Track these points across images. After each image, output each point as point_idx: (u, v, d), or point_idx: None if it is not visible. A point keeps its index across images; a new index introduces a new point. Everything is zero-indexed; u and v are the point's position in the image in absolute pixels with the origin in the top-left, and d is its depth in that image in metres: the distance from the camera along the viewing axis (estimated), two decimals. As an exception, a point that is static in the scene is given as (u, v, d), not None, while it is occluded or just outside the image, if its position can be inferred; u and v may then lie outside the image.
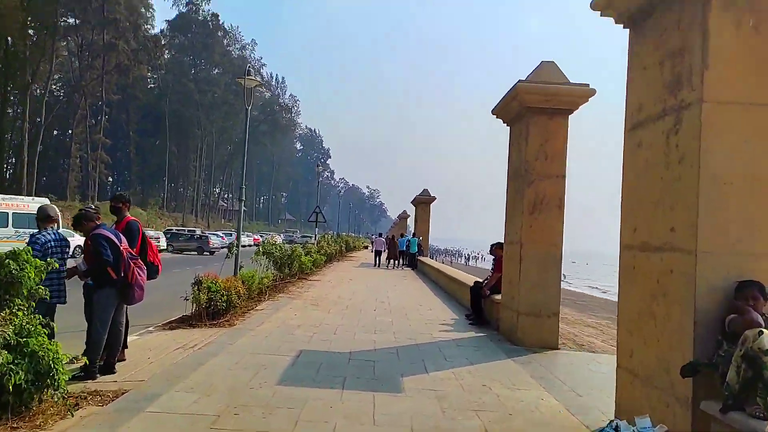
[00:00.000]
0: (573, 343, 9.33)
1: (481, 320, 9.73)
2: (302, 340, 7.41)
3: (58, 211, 5.72)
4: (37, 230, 5.14)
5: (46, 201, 25.26)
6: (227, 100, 70.16)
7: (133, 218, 6.04)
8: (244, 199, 14.02)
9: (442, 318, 10.28)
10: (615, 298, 5.07)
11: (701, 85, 3.55)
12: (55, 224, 5.51)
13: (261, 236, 65.16)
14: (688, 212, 3.55)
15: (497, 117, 9.05)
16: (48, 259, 4.44)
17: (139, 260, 5.44)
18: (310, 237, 28.92)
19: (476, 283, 10.45)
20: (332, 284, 15.90)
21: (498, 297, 9.12)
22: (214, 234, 45.56)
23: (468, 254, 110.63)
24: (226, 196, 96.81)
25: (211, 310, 8.64)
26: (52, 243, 5.08)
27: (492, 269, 10.45)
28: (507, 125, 8.90)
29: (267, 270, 14.06)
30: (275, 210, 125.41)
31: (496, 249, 10.26)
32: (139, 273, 5.27)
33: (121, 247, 5.17)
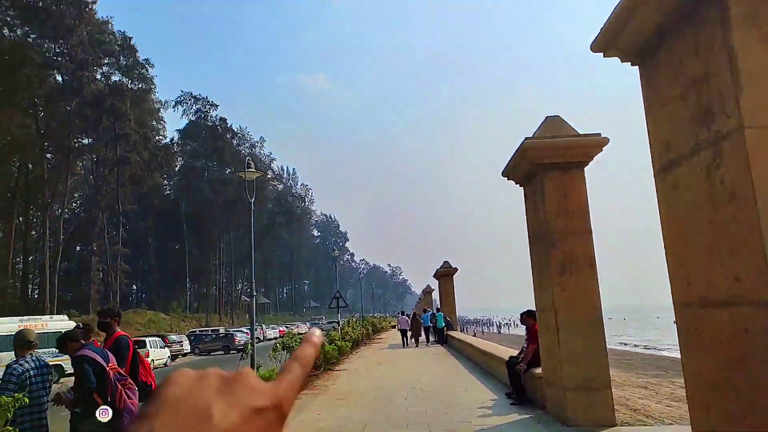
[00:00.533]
0: (626, 408, 8.42)
1: (523, 398, 8.85)
2: (328, 446, 6.66)
3: (36, 334, 5.21)
4: (15, 359, 4.65)
5: (64, 318, 25.03)
6: (241, 196, 71.48)
7: (122, 333, 5.53)
8: (255, 294, 13.61)
9: (480, 400, 9.39)
10: (660, 353, 4.40)
11: (738, 111, 3.08)
12: (34, 350, 5.00)
13: (286, 327, 64.30)
14: (753, 256, 2.98)
15: (508, 178, 8.63)
16: (16, 395, 3.92)
17: (129, 380, 4.88)
18: (336, 322, 27.99)
19: (511, 358, 9.64)
20: (360, 372, 15.01)
21: (539, 371, 8.30)
22: (239, 330, 44.79)
23: (499, 322, 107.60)
24: (248, 290, 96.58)
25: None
26: (32, 372, 4.58)
27: (526, 341, 9.67)
28: (520, 185, 8.47)
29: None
30: (299, 299, 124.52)
31: (526, 318, 9.54)
32: (128, 395, 4.69)
33: (108, 368, 4.64)
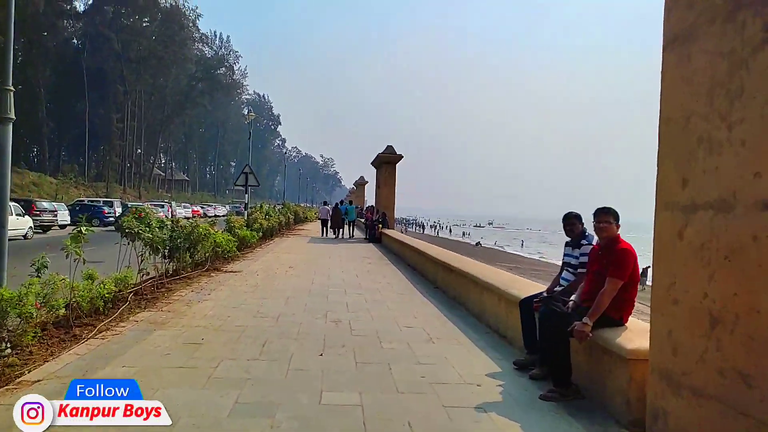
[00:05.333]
0: None
1: (562, 380, 4.12)
2: None
3: None
4: None
5: None
6: (155, 53, 61.46)
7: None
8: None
9: (466, 373, 4.63)
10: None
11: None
12: None
13: (201, 207, 58.44)
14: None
15: None
16: None
17: None
18: (243, 204, 22.84)
19: (543, 300, 4.72)
20: (257, 280, 10.01)
21: (621, 339, 3.59)
22: (139, 204, 38.47)
23: (432, 224, 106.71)
24: (162, 163, 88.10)
25: None
26: None
27: (570, 267, 4.88)
28: None
29: (147, 259, 8.15)
30: (222, 180, 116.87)
31: (574, 222, 4.78)
32: None
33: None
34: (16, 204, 22.83)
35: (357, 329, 6.20)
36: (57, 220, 26.75)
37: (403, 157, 23.47)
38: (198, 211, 54.50)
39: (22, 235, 21.79)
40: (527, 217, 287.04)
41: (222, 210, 58.35)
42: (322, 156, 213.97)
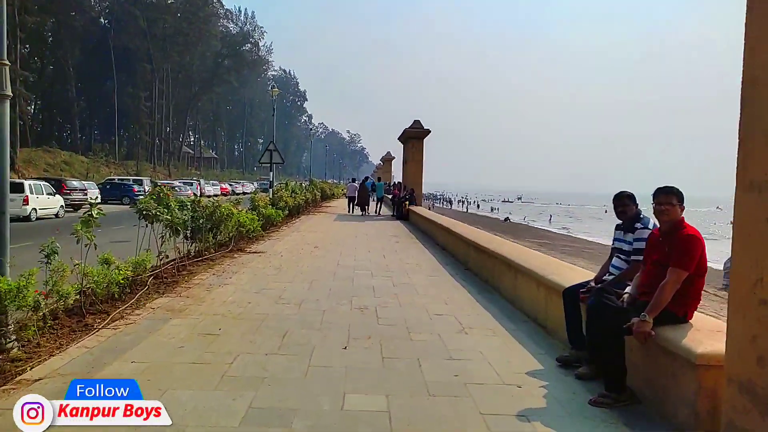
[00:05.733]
0: None
1: (617, 389, 3.64)
2: None
3: None
4: None
5: None
6: (181, 29, 61.39)
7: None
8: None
9: (500, 370, 4.19)
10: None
11: None
12: None
13: (230, 185, 58.79)
14: None
15: None
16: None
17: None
18: (268, 183, 22.59)
19: (594, 291, 4.19)
20: (281, 261, 9.69)
21: (687, 341, 3.09)
22: (170, 183, 38.75)
23: (459, 199, 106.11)
24: (191, 141, 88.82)
25: None
26: None
27: (622, 254, 4.34)
28: None
29: (168, 241, 7.92)
30: (250, 157, 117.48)
31: (627, 203, 4.25)
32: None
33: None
34: (47, 183, 23.11)
35: (384, 317, 5.79)
36: (87, 198, 27.03)
37: (430, 131, 22.81)
38: (226, 188, 54.80)
39: (54, 214, 22.05)
40: (558, 192, 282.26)
41: (250, 187, 58.48)
42: (348, 132, 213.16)
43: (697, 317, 3.60)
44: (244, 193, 47.32)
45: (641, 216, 4.28)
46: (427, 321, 5.73)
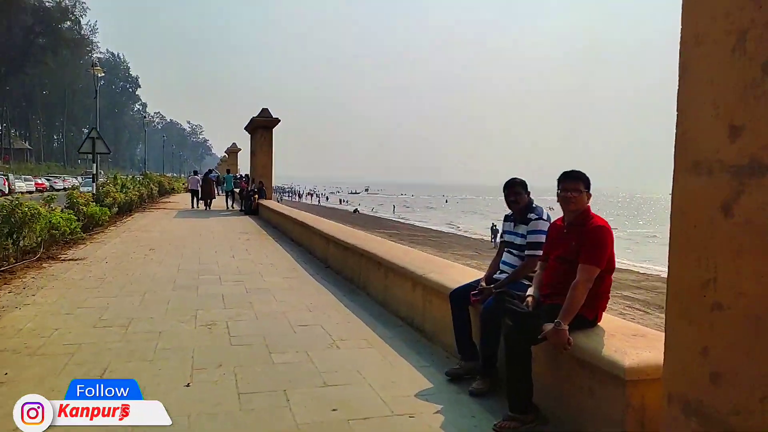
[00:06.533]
0: None
1: (523, 409, 3.11)
2: None
3: None
4: None
5: None
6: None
7: None
8: None
9: (385, 394, 3.47)
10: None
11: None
12: None
13: (47, 180, 51.68)
14: None
15: None
16: None
17: None
18: (91, 176, 19.80)
19: (496, 295, 3.59)
20: (107, 268, 8.06)
21: (611, 352, 2.64)
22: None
23: (308, 192, 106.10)
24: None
25: None
26: None
27: (523, 248, 3.86)
28: None
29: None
30: (73, 148, 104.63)
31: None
32: None
33: None
34: None
35: (238, 335, 4.78)
36: None
37: (279, 120, 21.58)
38: (43, 183, 48.19)
39: None
40: (403, 183, 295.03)
41: (73, 182, 51.88)
42: (189, 123, 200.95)
43: (607, 319, 3.19)
44: (65, 189, 41.72)
45: (534, 206, 3.84)
46: (291, 335, 4.84)
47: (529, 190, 3.88)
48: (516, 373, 3.09)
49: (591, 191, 3.19)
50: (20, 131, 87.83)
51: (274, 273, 8.09)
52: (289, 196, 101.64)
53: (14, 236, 8.29)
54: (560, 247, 3.20)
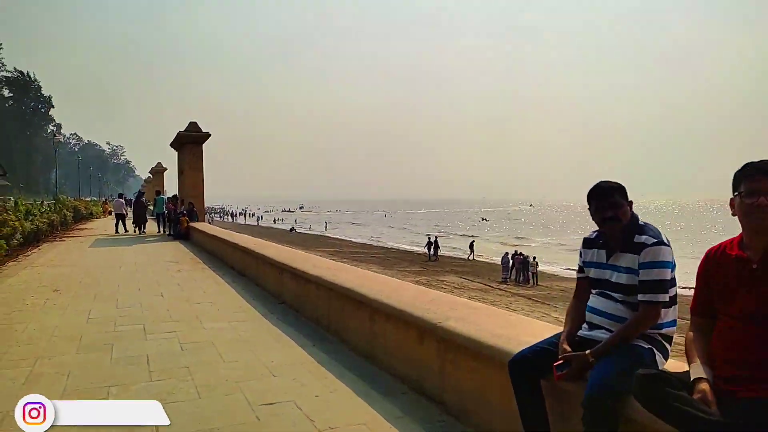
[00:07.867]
0: None
1: None
2: None
3: None
4: None
5: None
6: None
7: None
8: None
9: None
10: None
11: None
12: None
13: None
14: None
15: None
16: None
17: None
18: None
19: (587, 358, 2.23)
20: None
21: None
22: None
23: (240, 211, 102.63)
24: None
25: None
26: None
27: (629, 292, 2.47)
28: None
29: None
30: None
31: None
32: None
33: None
34: None
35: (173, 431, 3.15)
36: None
37: (210, 135, 19.62)
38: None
39: None
40: (338, 199, 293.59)
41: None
42: (109, 143, 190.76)
43: None
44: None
45: (641, 223, 2.48)
46: (254, 424, 3.26)
47: (630, 198, 2.53)
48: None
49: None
50: None
51: (216, 316, 6.39)
52: (220, 216, 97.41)
53: None
54: (749, 294, 1.86)
